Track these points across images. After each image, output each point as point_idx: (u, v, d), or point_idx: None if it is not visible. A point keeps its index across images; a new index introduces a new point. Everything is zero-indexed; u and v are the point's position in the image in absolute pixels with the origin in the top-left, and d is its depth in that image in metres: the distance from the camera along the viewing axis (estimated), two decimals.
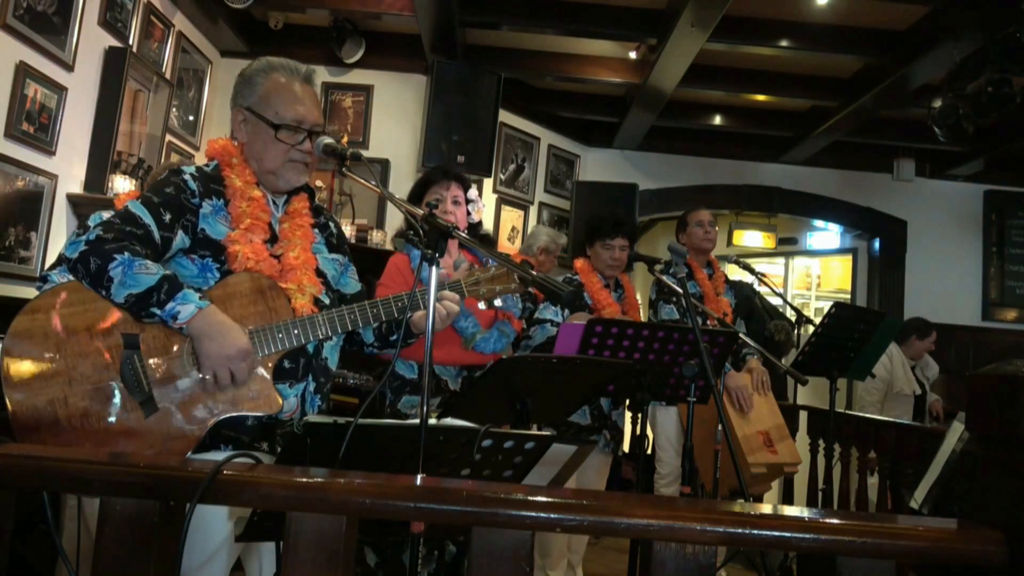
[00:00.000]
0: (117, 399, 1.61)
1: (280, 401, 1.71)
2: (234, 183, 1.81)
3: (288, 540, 1.08)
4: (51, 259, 3.60)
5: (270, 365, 1.71)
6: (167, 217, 1.71)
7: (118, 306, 1.63)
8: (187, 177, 1.79)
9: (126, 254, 1.61)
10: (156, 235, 1.69)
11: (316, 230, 1.95)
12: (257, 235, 1.79)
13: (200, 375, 1.65)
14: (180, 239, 1.73)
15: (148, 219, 1.69)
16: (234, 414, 1.67)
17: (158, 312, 1.61)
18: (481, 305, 1.94)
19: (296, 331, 1.72)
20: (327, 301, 1.87)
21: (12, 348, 1.58)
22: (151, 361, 1.64)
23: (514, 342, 3.41)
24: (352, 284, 2.01)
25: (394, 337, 1.97)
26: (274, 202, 1.89)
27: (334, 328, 1.76)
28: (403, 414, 2.57)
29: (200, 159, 5.33)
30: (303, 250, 1.84)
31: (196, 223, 1.75)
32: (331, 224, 2.02)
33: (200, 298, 1.64)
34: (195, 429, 1.64)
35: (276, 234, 1.85)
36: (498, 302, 1.89)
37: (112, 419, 1.60)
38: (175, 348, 1.66)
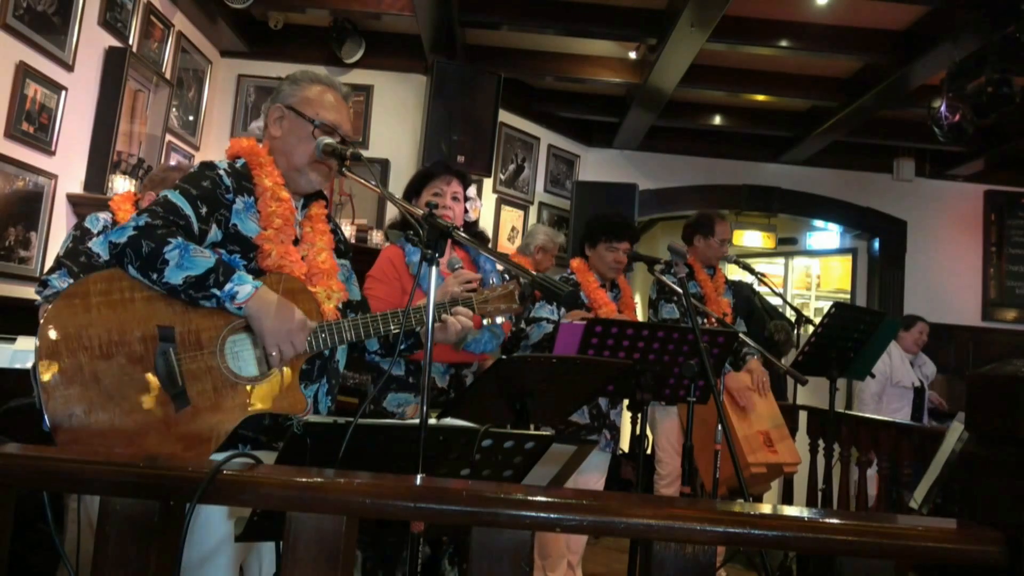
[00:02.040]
0: (150, 391, 1.62)
1: (306, 402, 1.75)
2: (264, 182, 1.85)
3: (288, 540, 1.08)
4: (51, 259, 3.60)
5: (297, 367, 1.76)
6: (203, 210, 1.74)
7: (169, 289, 1.64)
8: (222, 172, 1.82)
9: (179, 238, 1.64)
10: (195, 227, 1.72)
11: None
12: (288, 236, 1.83)
13: (236, 370, 1.70)
14: (214, 232, 1.76)
15: (188, 210, 1.71)
16: (262, 411, 1.70)
17: (217, 292, 1.64)
18: (485, 321, 2.01)
19: (324, 335, 1.77)
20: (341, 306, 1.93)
21: (48, 336, 1.58)
22: (185, 355, 1.66)
23: (511, 340, 3.41)
24: (354, 291, 2.06)
25: (403, 347, 2.06)
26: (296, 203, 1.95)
27: (358, 334, 1.81)
28: (388, 412, 2.55)
29: (200, 159, 5.33)
30: (329, 255, 1.90)
31: (229, 218, 1.79)
32: (339, 231, 2.07)
33: (255, 280, 1.69)
34: (224, 424, 1.66)
35: (299, 236, 1.90)
36: (500, 319, 1.98)
37: (144, 411, 1.61)
38: (208, 343, 1.68)
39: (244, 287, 1.66)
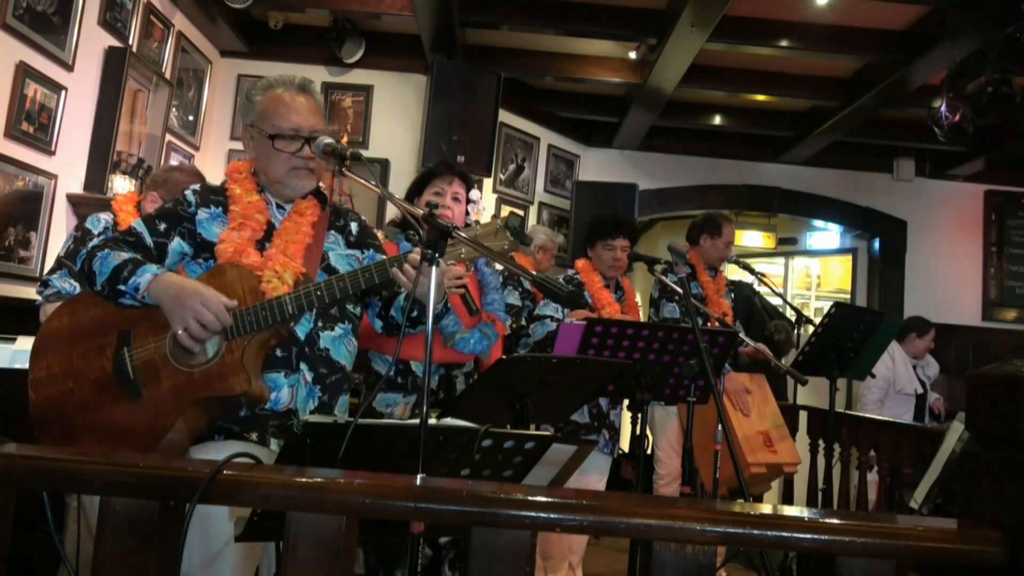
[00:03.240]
0: (109, 389, 1.74)
1: (248, 382, 1.71)
2: (234, 191, 1.92)
3: (288, 540, 1.08)
4: (51, 259, 3.60)
5: (243, 349, 1.74)
6: (162, 226, 1.87)
7: (104, 297, 1.78)
8: (187, 193, 1.94)
9: (106, 250, 1.78)
10: (148, 240, 1.85)
11: (332, 231, 2.01)
12: (246, 232, 1.86)
13: (172, 356, 1.75)
14: (178, 244, 1.87)
15: (140, 228, 1.86)
16: (207, 396, 1.72)
17: (124, 289, 1.73)
18: (463, 268, 1.97)
19: (264, 312, 1.75)
20: None
21: (38, 347, 1.80)
22: (138, 352, 1.76)
23: (512, 338, 3.41)
24: None
25: (415, 314, 1.93)
26: (282, 207, 1.96)
27: (300, 307, 1.76)
28: (377, 412, 2.52)
29: (200, 159, 5.34)
30: (290, 241, 1.88)
31: (193, 229, 1.88)
32: (352, 224, 2.07)
33: (158, 268, 1.76)
34: (173, 411, 1.71)
35: (274, 232, 1.91)
36: (498, 266, 1.87)
37: (106, 408, 1.73)
38: (160, 338, 1.75)
39: (144, 276, 1.73)
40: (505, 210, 6.43)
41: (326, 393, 1.87)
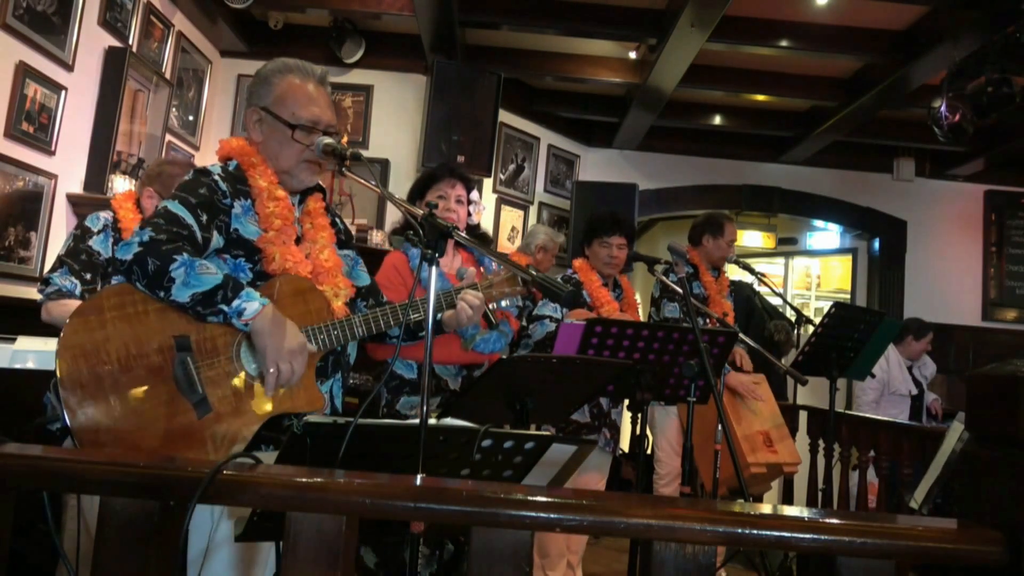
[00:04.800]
0: (171, 402, 1.62)
1: (324, 398, 1.77)
2: (259, 183, 1.83)
3: (288, 540, 1.08)
4: (51, 259, 3.60)
5: (314, 365, 1.77)
6: (204, 218, 1.73)
7: (177, 306, 1.64)
8: (216, 178, 1.80)
9: (184, 255, 1.63)
10: (199, 236, 1.71)
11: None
12: (289, 236, 1.83)
13: (254, 374, 1.70)
14: (216, 239, 1.76)
15: (190, 219, 1.71)
16: (283, 411, 1.71)
17: (225, 309, 1.63)
18: (491, 306, 2.01)
19: (336, 332, 1.78)
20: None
21: (67, 353, 1.59)
22: (203, 362, 1.66)
23: (514, 339, 3.41)
24: (363, 277, 2.08)
25: (421, 333, 2.04)
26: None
27: (369, 330, 1.83)
28: (402, 415, 2.56)
29: (200, 159, 5.33)
30: (332, 252, 1.90)
31: (229, 223, 1.78)
32: (338, 221, 2.07)
33: (261, 297, 1.69)
34: (246, 428, 1.67)
35: (300, 234, 1.90)
36: (504, 303, 1.96)
37: (167, 422, 1.61)
38: (224, 349, 1.69)
39: (252, 304, 1.65)
40: (505, 210, 6.44)
41: (344, 395, 1.93)
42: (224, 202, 1.77)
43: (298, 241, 1.87)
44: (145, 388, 1.61)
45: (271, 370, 1.66)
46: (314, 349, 1.75)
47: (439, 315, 2.03)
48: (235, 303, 1.63)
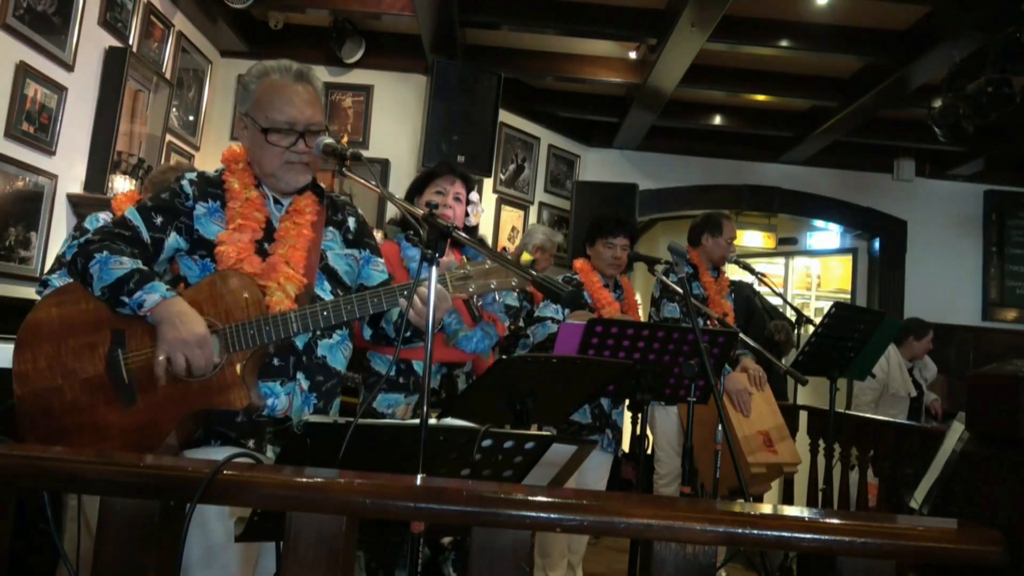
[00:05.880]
0: (102, 391, 1.70)
1: (249, 398, 1.71)
2: (232, 186, 1.87)
3: (288, 540, 1.08)
4: (51, 259, 3.60)
5: (244, 362, 1.72)
6: (159, 220, 1.80)
7: (102, 301, 1.72)
8: (184, 183, 1.87)
9: (104, 252, 1.71)
10: (144, 235, 1.78)
11: (330, 228, 1.96)
12: (247, 234, 1.82)
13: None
14: (174, 240, 1.82)
15: (137, 221, 1.79)
16: (205, 408, 1.71)
17: (127, 301, 1.68)
18: (475, 299, 1.92)
19: (268, 328, 1.73)
20: (326, 297, 1.86)
21: (22, 342, 1.72)
22: (133, 355, 1.71)
23: (510, 340, 3.41)
24: (375, 275, 2.02)
25: (408, 334, 1.90)
26: (279, 202, 1.91)
27: (306, 326, 1.75)
28: (378, 413, 2.51)
29: (200, 159, 5.34)
30: (293, 248, 1.84)
31: (191, 225, 1.82)
32: (350, 219, 2.02)
33: (167, 290, 1.71)
34: (168, 420, 1.69)
35: (275, 235, 1.86)
36: (495, 297, 1.89)
37: (97, 410, 1.69)
38: (153, 341, 1.71)
39: (152, 296, 1.68)
40: (505, 210, 6.44)
41: (321, 400, 1.85)
42: (185, 204, 1.83)
43: (269, 240, 1.84)
44: (82, 377, 1.70)
45: (159, 358, 1.67)
46: (236, 350, 1.70)
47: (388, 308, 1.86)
48: (137, 295, 1.68)
